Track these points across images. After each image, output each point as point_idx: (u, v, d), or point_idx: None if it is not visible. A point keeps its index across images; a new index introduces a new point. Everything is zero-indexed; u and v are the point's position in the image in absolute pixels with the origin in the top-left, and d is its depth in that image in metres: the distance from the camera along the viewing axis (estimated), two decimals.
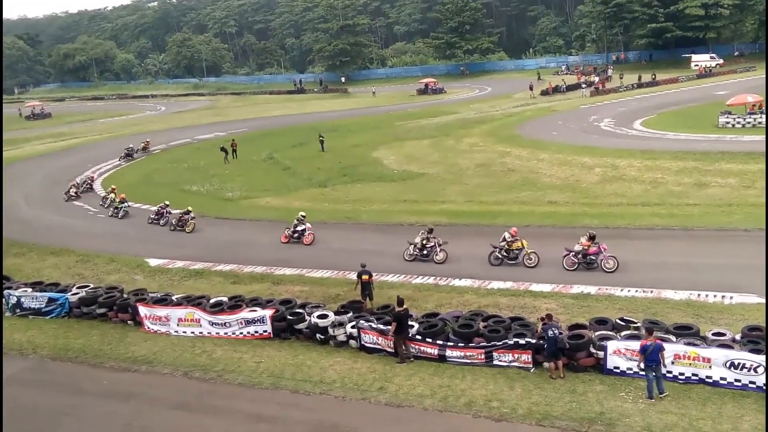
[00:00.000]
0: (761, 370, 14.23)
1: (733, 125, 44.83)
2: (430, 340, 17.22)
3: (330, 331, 18.65)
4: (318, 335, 18.83)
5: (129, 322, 21.43)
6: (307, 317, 19.14)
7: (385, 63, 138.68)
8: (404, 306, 17.39)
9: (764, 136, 38.09)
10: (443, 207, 32.83)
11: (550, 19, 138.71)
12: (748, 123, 44.47)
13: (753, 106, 45.08)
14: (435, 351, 17.11)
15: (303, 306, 19.95)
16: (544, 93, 76.29)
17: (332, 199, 36.62)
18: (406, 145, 50.85)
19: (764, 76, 68.27)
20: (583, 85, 75.73)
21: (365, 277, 20.55)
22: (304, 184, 40.67)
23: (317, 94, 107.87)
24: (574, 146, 42.56)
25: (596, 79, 79.68)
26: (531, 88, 77.30)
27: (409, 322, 17.56)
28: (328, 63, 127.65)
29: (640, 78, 76.66)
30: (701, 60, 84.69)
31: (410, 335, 17.38)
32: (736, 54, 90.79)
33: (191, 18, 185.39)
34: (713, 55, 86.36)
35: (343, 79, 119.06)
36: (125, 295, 22.20)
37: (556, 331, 15.66)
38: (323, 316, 18.86)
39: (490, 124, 56.90)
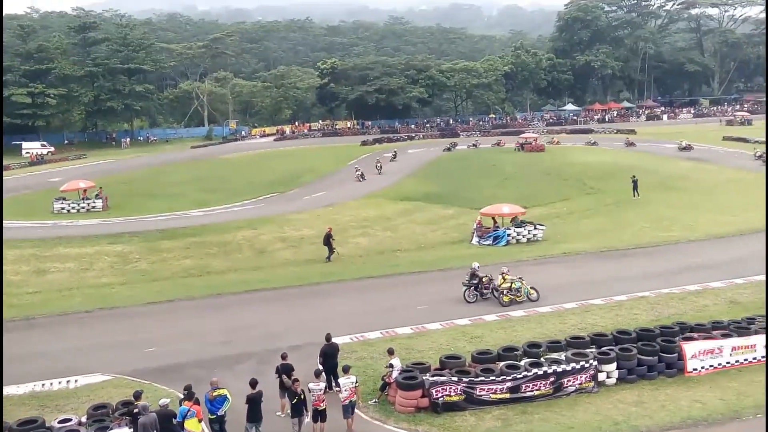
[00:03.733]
0: None
1: (69, 210, 45.73)
2: None
3: None
4: None
5: None
6: None
7: None
8: None
9: (98, 220, 39.95)
10: None
11: None
12: (83, 208, 46.00)
13: (85, 191, 46.84)
14: None
15: None
16: None
17: None
18: None
19: (95, 163, 72.26)
20: None
21: None
22: None
23: None
24: None
25: None
26: None
27: None
28: None
29: None
30: (33, 147, 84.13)
31: None
32: (66, 142, 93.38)
33: None
34: (44, 143, 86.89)
35: None
36: None
37: None
38: None
39: None
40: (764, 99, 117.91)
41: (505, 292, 24.97)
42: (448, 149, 73.62)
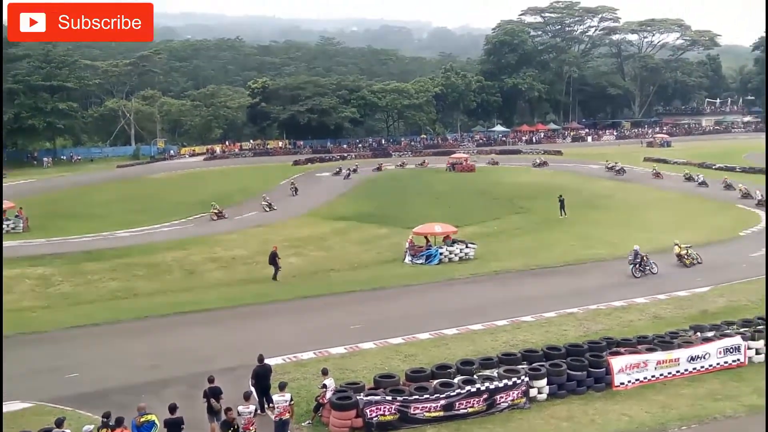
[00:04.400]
0: None
1: None
2: None
3: None
4: None
5: None
6: None
7: None
8: None
9: (18, 241, 38.36)
10: None
11: None
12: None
13: (4, 212, 44.83)
14: None
15: None
16: None
17: None
18: None
19: (15, 182, 69.44)
20: None
21: None
22: None
23: None
24: None
25: None
26: None
27: None
28: None
29: None
30: None
31: None
32: None
33: None
34: None
35: None
36: None
37: None
38: None
39: None
40: (681, 122, 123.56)
41: (685, 257, 32.28)
42: (347, 175, 69.27)
